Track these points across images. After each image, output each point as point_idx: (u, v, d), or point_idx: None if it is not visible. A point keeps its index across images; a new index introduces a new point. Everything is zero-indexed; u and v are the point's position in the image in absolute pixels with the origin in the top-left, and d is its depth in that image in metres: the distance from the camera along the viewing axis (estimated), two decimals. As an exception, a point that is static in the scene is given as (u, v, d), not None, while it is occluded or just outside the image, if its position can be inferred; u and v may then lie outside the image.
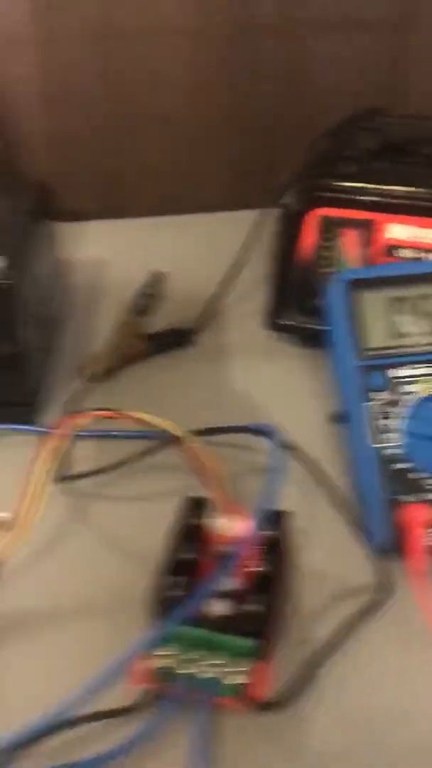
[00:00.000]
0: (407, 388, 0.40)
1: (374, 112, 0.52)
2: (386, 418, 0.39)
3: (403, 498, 0.37)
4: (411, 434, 0.39)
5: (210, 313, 0.51)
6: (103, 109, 0.60)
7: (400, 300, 0.43)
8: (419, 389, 0.40)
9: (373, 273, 0.44)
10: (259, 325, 0.49)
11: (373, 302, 0.43)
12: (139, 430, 0.38)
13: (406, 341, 0.42)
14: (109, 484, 0.39)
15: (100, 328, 0.50)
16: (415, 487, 0.37)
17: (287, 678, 0.30)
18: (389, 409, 0.40)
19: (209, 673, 0.29)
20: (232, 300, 0.52)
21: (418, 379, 0.40)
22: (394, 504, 0.37)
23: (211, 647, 0.30)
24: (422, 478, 0.37)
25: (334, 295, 0.43)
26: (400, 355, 0.41)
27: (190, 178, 0.62)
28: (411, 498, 0.36)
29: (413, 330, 0.42)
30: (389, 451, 0.38)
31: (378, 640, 0.32)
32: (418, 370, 0.41)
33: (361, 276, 0.44)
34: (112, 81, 0.58)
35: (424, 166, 0.46)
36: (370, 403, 0.40)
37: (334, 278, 0.43)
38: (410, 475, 0.37)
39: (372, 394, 0.40)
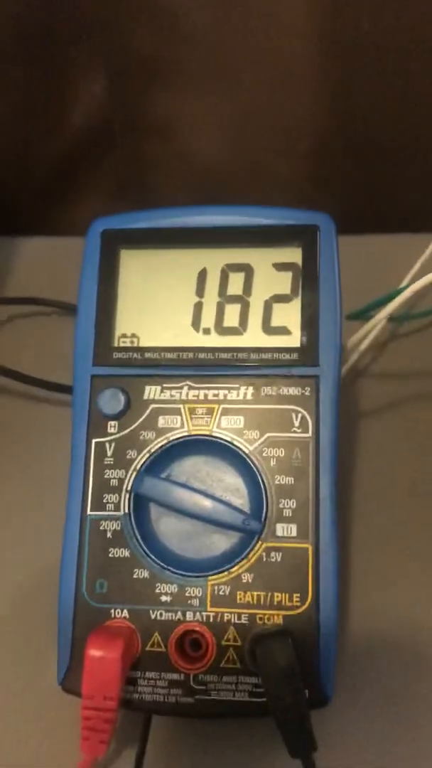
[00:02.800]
0: (162, 420, 0.27)
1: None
2: (118, 466, 0.27)
3: (115, 609, 0.25)
4: (147, 498, 0.26)
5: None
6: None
7: (181, 269, 0.28)
8: (180, 422, 0.27)
9: (151, 221, 0.28)
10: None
11: (137, 269, 0.28)
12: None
13: (176, 338, 0.28)
14: None
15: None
16: (137, 595, 0.25)
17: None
18: (127, 451, 0.27)
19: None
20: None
21: (180, 405, 0.27)
22: (95, 618, 0.25)
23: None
24: (149, 579, 0.26)
25: (88, 256, 0.29)
26: (162, 363, 0.27)
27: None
28: (125, 611, 0.25)
29: (190, 320, 0.28)
30: (110, 525, 0.26)
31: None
32: (185, 389, 0.27)
33: (126, 225, 0.29)
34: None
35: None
36: (102, 438, 0.27)
37: (93, 227, 0.29)
38: (134, 573, 0.26)
39: (109, 424, 0.27)
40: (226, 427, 0.27)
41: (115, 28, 0.46)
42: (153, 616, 0.25)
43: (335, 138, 0.48)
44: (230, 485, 0.26)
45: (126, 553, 0.26)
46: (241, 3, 0.44)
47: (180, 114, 0.49)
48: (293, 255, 0.28)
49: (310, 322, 0.27)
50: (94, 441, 0.27)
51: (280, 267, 0.28)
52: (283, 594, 0.25)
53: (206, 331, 0.28)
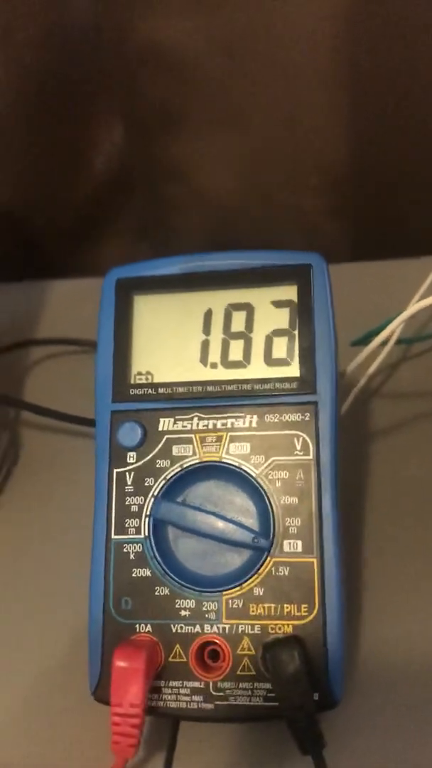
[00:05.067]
0: (176, 449, 0.29)
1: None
2: (138, 493, 0.29)
3: (139, 624, 0.28)
4: (164, 522, 0.29)
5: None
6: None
7: (187, 311, 0.31)
8: (192, 451, 0.29)
9: (159, 268, 0.31)
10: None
11: (148, 312, 0.31)
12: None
13: (186, 373, 0.30)
14: None
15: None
16: (159, 610, 0.28)
17: None
18: (145, 480, 0.29)
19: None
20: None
21: (191, 435, 0.29)
22: (121, 633, 0.28)
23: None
24: (169, 596, 0.28)
25: (104, 302, 0.31)
26: (174, 397, 0.30)
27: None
28: (148, 626, 0.28)
29: (198, 357, 0.30)
30: (132, 548, 0.29)
31: None
32: (196, 420, 0.29)
33: (142, 272, 0.31)
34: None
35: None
36: (122, 469, 0.30)
37: (108, 276, 0.32)
38: (155, 591, 0.28)
39: (128, 455, 0.30)
40: (234, 454, 0.29)
41: (129, 79, 0.49)
42: (174, 630, 0.28)
43: (344, 171, 0.51)
44: (240, 506, 0.29)
45: (147, 572, 0.28)
46: (247, 49, 0.47)
47: (194, 157, 0.52)
48: (289, 292, 0.30)
49: (307, 353, 0.29)
50: (115, 471, 0.29)
51: (278, 304, 0.30)
52: (292, 605, 0.27)
53: (213, 366, 0.30)
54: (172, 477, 0.29)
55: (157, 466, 0.29)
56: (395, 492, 0.36)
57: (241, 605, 0.27)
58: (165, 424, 0.30)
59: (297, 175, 0.52)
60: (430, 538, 0.35)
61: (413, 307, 0.29)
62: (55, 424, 0.40)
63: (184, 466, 0.29)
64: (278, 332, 0.30)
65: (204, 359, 0.30)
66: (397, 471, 0.37)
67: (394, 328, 0.31)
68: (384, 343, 0.34)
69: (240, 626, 0.27)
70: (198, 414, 0.29)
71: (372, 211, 0.52)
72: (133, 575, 0.28)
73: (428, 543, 0.34)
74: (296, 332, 0.30)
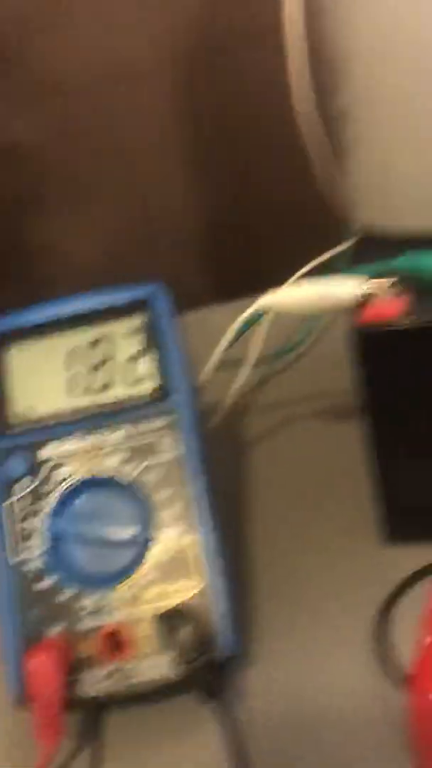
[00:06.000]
0: (58, 472, 0.33)
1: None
2: (29, 517, 0.33)
3: (48, 629, 0.31)
4: (58, 537, 0.32)
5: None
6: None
7: (53, 352, 0.36)
8: (72, 471, 0.33)
9: (23, 320, 0.36)
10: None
11: (18, 359, 0.36)
12: None
13: (58, 406, 0.34)
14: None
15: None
16: (63, 613, 0.31)
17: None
18: (34, 504, 0.33)
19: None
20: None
21: (69, 458, 0.33)
22: (34, 641, 0.31)
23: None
24: (70, 599, 0.31)
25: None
26: (50, 427, 0.34)
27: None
28: (56, 628, 0.31)
29: (67, 390, 0.35)
30: (31, 566, 0.32)
31: None
32: (71, 444, 0.34)
33: (10, 326, 0.36)
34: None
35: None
36: (12, 499, 0.33)
37: None
38: (57, 597, 0.31)
39: (15, 487, 0.33)
40: (109, 466, 0.33)
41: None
42: (79, 627, 0.31)
43: (193, 224, 0.57)
44: (122, 510, 0.33)
45: (49, 583, 0.32)
46: (86, 131, 0.53)
47: (59, 236, 0.57)
48: (138, 322, 0.35)
49: (161, 370, 0.34)
50: (7, 503, 0.33)
51: (131, 333, 0.35)
52: (179, 582, 0.31)
53: (83, 394, 0.35)
54: (59, 497, 0.33)
55: (44, 490, 0.33)
56: (273, 490, 0.40)
57: (136, 592, 0.31)
58: (45, 452, 0.34)
59: (151, 237, 0.58)
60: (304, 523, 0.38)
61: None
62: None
63: (68, 485, 0.33)
64: (134, 356, 0.35)
65: (73, 390, 0.35)
66: (270, 472, 0.41)
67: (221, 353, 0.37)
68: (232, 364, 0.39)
69: (138, 611, 0.31)
70: (74, 437, 0.34)
71: (227, 254, 0.58)
72: (35, 589, 0.32)
73: (303, 527, 0.38)
74: (149, 354, 0.35)
